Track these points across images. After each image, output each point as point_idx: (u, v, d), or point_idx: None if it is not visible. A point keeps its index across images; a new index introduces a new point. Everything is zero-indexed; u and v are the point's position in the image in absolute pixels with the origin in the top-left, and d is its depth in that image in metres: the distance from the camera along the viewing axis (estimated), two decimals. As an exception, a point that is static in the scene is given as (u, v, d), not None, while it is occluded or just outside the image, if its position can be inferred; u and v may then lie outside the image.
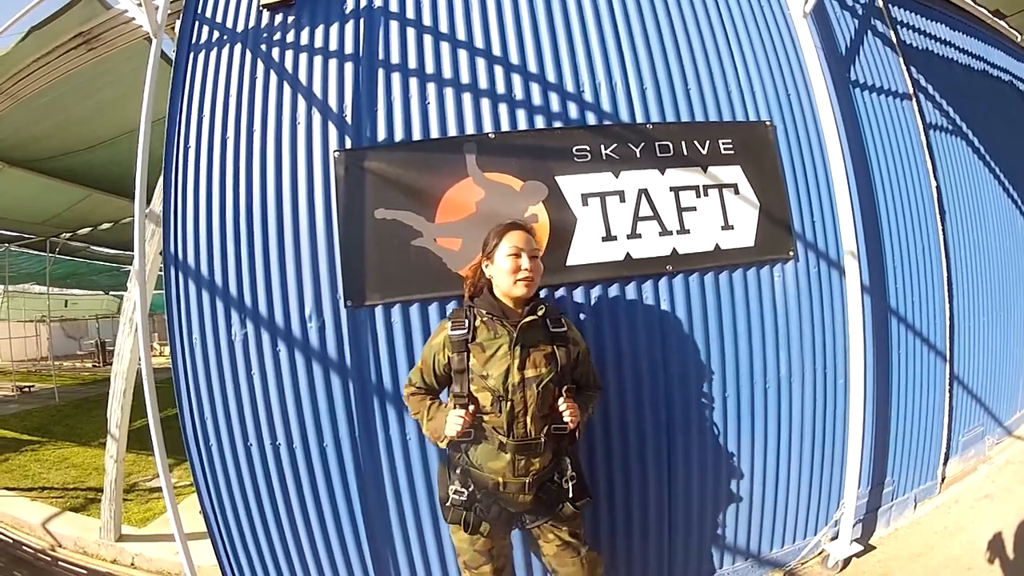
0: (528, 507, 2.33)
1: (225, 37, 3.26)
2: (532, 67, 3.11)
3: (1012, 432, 4.47)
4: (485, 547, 2.37)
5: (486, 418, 2.26)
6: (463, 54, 3.11)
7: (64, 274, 15.57)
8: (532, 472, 2.27)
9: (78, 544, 4.52)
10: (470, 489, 2.31)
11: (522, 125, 3.04)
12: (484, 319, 2.31)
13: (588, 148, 3.03)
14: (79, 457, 7.11)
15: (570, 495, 2.34)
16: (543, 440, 2.26)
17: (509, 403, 2.21)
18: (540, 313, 2.28)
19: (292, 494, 2.96)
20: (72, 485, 5.96)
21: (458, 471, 2.34)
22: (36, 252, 12.02)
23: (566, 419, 2.25)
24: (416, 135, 3.00)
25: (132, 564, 4.20)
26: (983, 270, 4.15)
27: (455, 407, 2.25)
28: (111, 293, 20.97)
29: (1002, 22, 5.10)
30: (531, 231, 2.39)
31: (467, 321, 2.32)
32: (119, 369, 4.24)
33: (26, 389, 13.53)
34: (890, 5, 4.10)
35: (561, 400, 2.26)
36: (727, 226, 3.10)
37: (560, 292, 2.94)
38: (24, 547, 4.61)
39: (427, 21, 3.16)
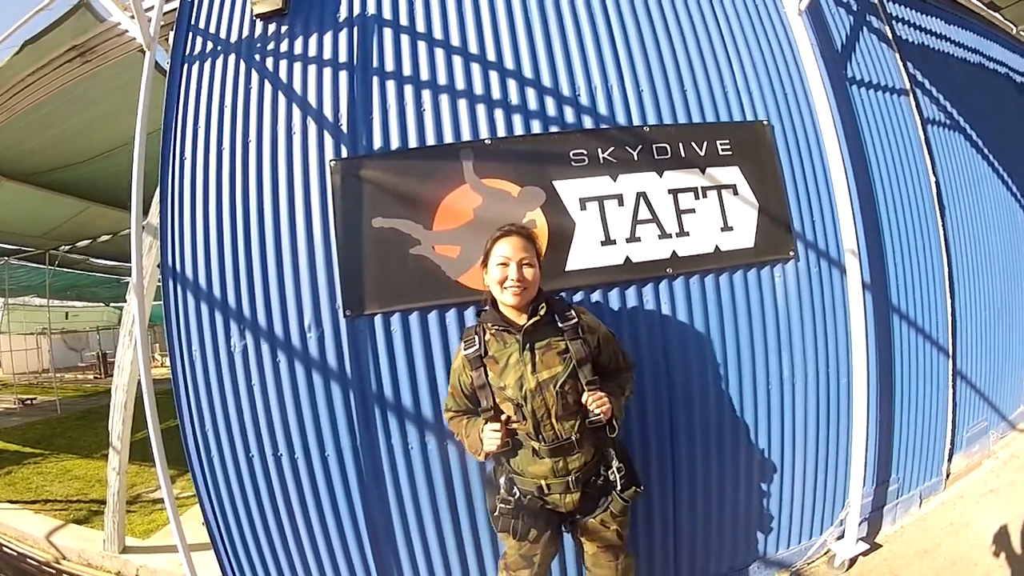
0: (577, 506, 2.32)
1: (219, 48, 3.26)
2: (527, 71, 3.10)
3: (1016, 426, 4.46)
4: (529, 553, 2.37)
5: (515, 427, 2.27)
6: (458, 60, 3.10)
7: (64, 286, 15.59)
8: (574, 471, 2.27)
9: (82, 556, 4.51)
10: (516, 496, 2.31)
11: (518, 130, 3.03)
12: (492, 332, 2.31)
13: (585, 152, 3.02)
14: (82, 469, 7.10)
15: (617, 487, 2.31)
16: (575, 438, 2.25)
17: (530, 409, 2.21)
18: (542, 313, 2.27)
19: (295, 504, 2.95)
20: (75, 497, 5.95)
21: (503, 480, 2.35)
22: (36, 265, 12.03)
23: (597, 412, 2.21)
24: (412, 142, 3.00)
25: (136, 576, 4.19)
26: (984, 264, 4.13)
27: (486, 422, 2.26)
28: (112, 305, 20.95)
29: (997, 15, 5.09)
30: (528, 235, 2.35)
31: (477, 337, 2.33)
32: (119, 382, 4.24)
33: (28, 401, 13.50)
34: (885, 1, 4.09)
35: (586, 395, 2.23)
36: (726, 227, 3.09)
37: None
38: (28, 560, 4.60)
39: (421, 27, 3.16)
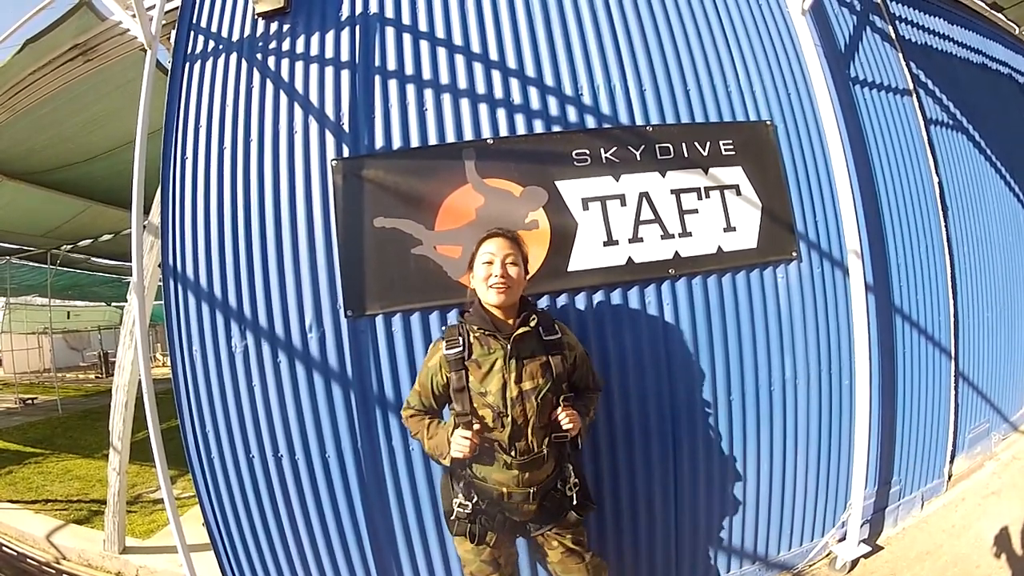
0: (532, 516, 2.31)
1: (220, 46, 3.25)
2: (530, 71, 3.10)
3: (1018, 428, 4.45)
4: (492, 557, 2.37)
5: (490, 434, 2.24)
6: (460, 59, 3.09)
7: (65, 286, 15.59)
8: (537, 482, 2.27)
9: (82, 556, 4.51)
10: (474, 501, 2.30)
11: (521, 130, 3.02)
12: (477, 335, 2.29)
13: (588, 152, 3.01)
14: (83, 469, 7.10)
15: (574, 502, 2.34)
16: (546, 452, 2.26)
17: (510, 417, 2.20)
18: (532, 324, 2.27)
19: (295, 505, 2.95)
20: (76, 497, 5.95)
21: (462, 484, 2.33)
22: (37, 264, 12.04)
23: (565, 427, 2.23)
24: (414, 142, 2.99)
25: (136, 576, 4.19)
26: (986, 265, 4.13)
27: (458, 426, 2.22)
28: (113, 304, 20.96)
29: (1000, 15, 5.08)
30: (515, 238, 2.36)
31: (461, 339, 2.30)
32: (120, 381, 4.23)
33: (29, 401, 13.52)
34: (888, 1, 4.09)
35: (559, 409, 2.25)
36: (729, 228, 3.08)
37: (562, 299, 2.93)
38: (28, 560, 4.60)
39: (423, 27, 3.15)
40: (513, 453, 2.22)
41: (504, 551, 2.41)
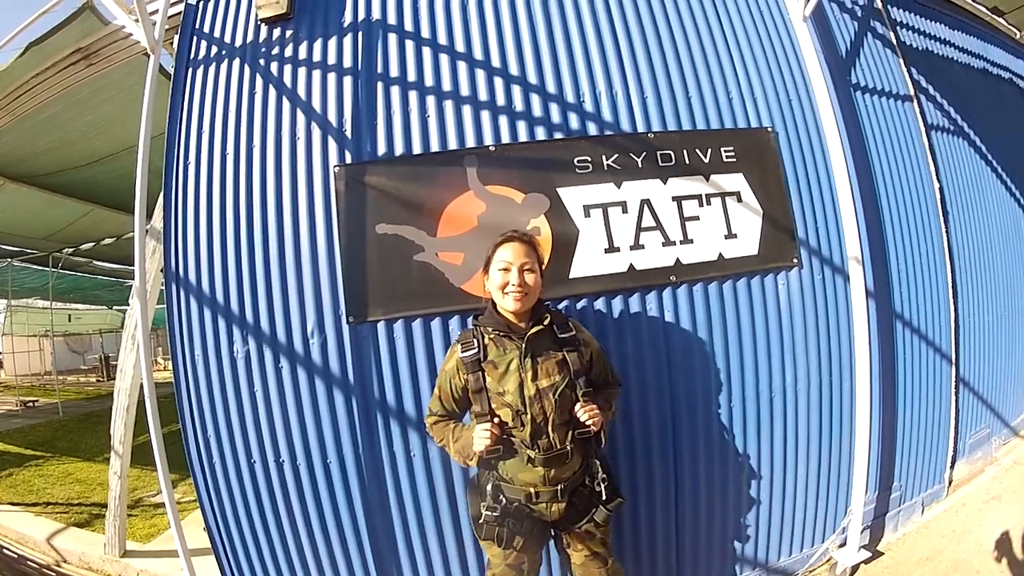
0: (562, 515, 2.32)
1: (223, 52, 3.26)
2: (532, 78, 3.11)
3: (1019, 432, 4.44)
4: (517, 561, 2.38)
5: (512, 432, 2.26)
6: (462, 66, 3.10)
7: (67, 289, 15.58)
8: (564, 480, 2.28)
9: (83, 560, 4.50)
10: (502, 504, 2.29)
11: (523, 137, 3.03)
12: (492, 336, 2.31)
13: (589, 159, 3.02)
14: (83, 472, 7.09)
15: (603, 497, 2.33)
16: (570, 448, 2.26)
17: (529, 416, 2.22)
18: (546, 322, 2.28)
19: (296, 511, 2.95)
20: (76, 500, 5.95)
21: (489, 487, 2.32)
22: (39, 267, 12.05)
23: (587, 423, 2.24)
24: (416, 149, 3.00)
25: (137, 580, 4.19)
26: (987, 270, 4.12)
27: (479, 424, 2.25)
28: (115, 308, 20.98)
29: (1000, 19, 5.08)
30: (530, 242, 2.37)
31: (476, 341, 2.32)
32: (122, 385, 4.24)
33: (30, 404, 13.51)
34: (889, 6, 4.09)
35: (579, 406, 2.25)
36: (730, 235, 3.08)
37: (563, 305, 2.93)
38: (28, 562, 4.59)
39: (426, 34, 3.16)
40: (536, 450, 2.24)
41: (529, 557, 2.41)
